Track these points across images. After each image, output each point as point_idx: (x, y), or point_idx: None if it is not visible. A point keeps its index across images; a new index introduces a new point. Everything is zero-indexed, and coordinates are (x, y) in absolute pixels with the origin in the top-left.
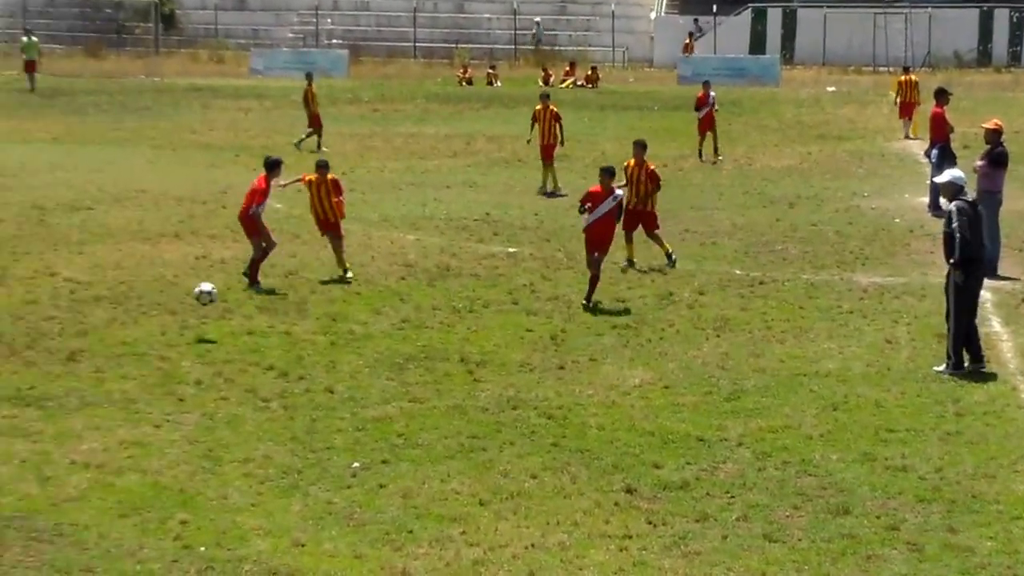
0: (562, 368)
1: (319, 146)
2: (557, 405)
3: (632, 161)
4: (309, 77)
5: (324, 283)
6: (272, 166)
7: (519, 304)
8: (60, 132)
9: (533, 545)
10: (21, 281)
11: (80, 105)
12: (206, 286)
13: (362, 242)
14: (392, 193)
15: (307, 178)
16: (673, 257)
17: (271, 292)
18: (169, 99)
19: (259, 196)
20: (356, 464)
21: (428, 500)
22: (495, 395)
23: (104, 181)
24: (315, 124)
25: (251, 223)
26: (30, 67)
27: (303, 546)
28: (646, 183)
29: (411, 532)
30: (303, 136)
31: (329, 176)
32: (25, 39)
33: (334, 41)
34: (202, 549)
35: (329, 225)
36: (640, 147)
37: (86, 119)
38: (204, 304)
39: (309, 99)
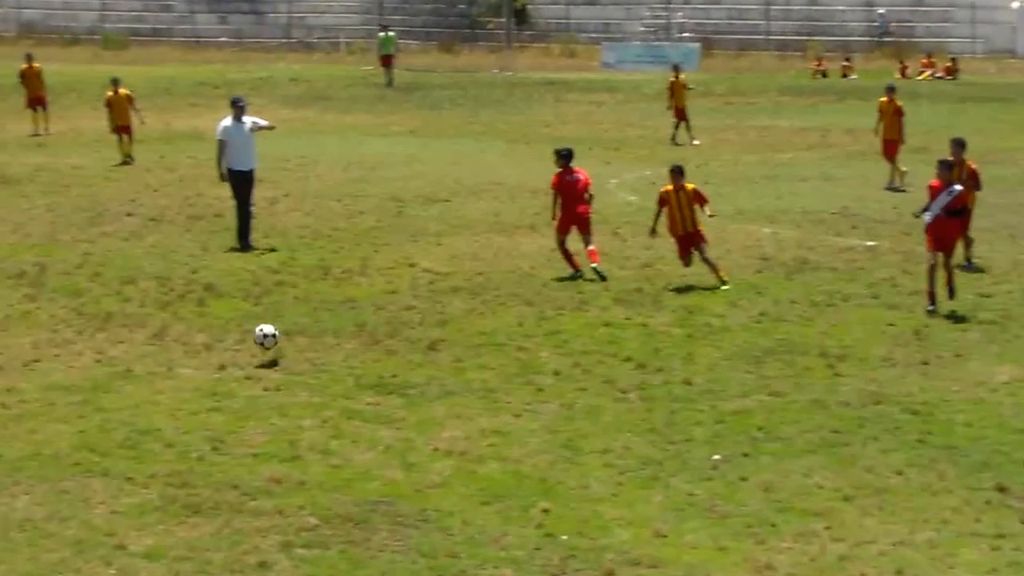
0: (926, 363)
1: (674, 138)
2: (922, 401)
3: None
4: (676, 69)
5: (678, 288)
6: (566, 157)
7: (879, 298)
8: (416, 126)
9: (901, 542)
10: (382, 272)
11: (435, 99)
12: (266, 330)
13: (718, 235)
14: (747, 186)
15: (665, 190)
16: (973, 262)
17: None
18: (522, 93)
19: (584, 186)
20: (717, 456)
21: (790, 494)
22: (856, 390)
23: (460, 173)
24: (679, 116)
25: (586, 220)
26: (387, 62)
27: (665, 537)
28: (967, 184)
29: (774, 526)
30: (685, 131)
31: (688, 185)
32: (382, 34)
33: (685, 34)
34: (564, 538)
35: (689, 237)
36: (959, 146)
37: (441, 113)
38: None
39: (674, 91)
